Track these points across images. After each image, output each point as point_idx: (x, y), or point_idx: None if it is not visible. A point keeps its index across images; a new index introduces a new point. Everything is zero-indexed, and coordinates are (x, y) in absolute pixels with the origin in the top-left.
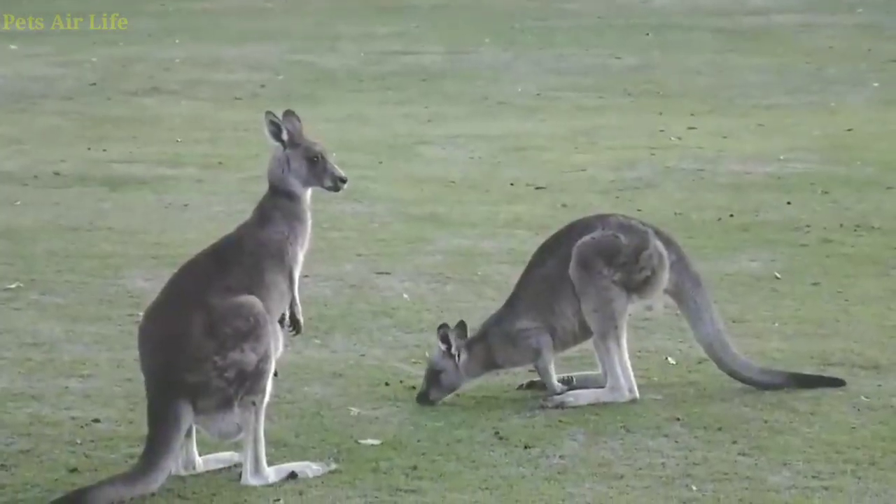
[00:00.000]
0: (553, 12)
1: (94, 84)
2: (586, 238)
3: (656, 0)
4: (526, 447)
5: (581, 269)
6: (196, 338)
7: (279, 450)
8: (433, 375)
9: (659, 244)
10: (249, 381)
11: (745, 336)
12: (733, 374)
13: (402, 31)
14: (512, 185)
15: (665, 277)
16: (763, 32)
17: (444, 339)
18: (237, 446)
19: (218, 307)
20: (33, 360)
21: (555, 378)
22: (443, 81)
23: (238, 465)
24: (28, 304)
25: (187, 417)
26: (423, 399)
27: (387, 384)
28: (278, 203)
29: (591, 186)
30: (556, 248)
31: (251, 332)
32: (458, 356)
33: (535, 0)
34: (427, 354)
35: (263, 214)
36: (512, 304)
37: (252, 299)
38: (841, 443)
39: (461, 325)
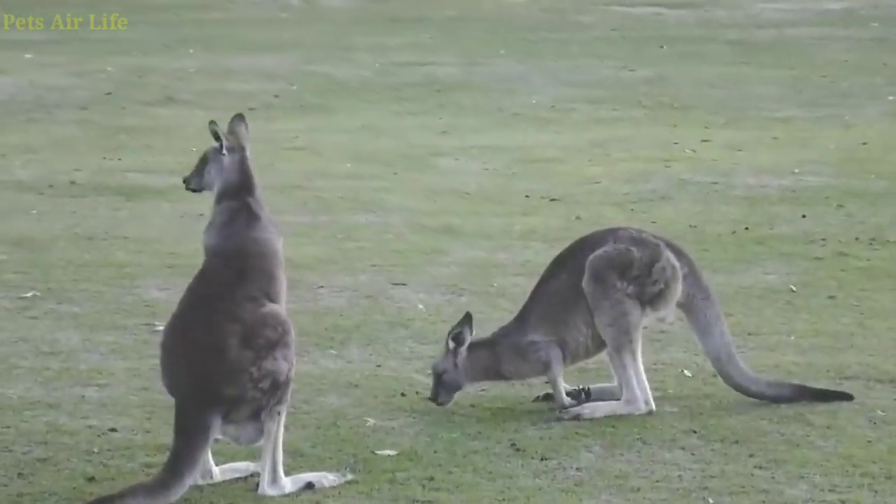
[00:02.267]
0: (568, 24)
1: (109, 94)
2: (599, 251)
3: (670, 12)
4: (542, 459)
5: (594, 282)
6: (233, 350)
7: (295, 460)
8: (437, 377)
9: (671, 256)
10: (280, 390)
11: (761, 349)
12: (739, 389)
13: (416, 43)
14: (527, 196)
15: (678, 290)
16: (777, 45)
17: (459, 340)
18: (253, 455)
19: (249, 318)
20: (50, 368)
21: (564, 392)
22: (458, 93)
23: (254, 475)
24: (45, 314)
25: (216, 429)
26: (434, 400)
27: (403, 395)
28: (251, 202)
29: (605, 198)
30: (568, 261)
31: (280, 340)
32: (457, 357)
33: (549, 12)
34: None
35: (250, 216)
36: (523, 317)
37: (276, 308)
38: (857, 456)
39: (468, 319)
